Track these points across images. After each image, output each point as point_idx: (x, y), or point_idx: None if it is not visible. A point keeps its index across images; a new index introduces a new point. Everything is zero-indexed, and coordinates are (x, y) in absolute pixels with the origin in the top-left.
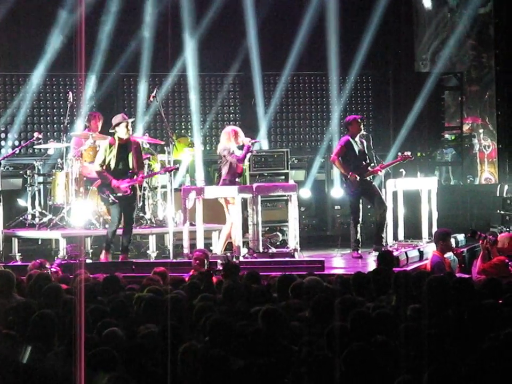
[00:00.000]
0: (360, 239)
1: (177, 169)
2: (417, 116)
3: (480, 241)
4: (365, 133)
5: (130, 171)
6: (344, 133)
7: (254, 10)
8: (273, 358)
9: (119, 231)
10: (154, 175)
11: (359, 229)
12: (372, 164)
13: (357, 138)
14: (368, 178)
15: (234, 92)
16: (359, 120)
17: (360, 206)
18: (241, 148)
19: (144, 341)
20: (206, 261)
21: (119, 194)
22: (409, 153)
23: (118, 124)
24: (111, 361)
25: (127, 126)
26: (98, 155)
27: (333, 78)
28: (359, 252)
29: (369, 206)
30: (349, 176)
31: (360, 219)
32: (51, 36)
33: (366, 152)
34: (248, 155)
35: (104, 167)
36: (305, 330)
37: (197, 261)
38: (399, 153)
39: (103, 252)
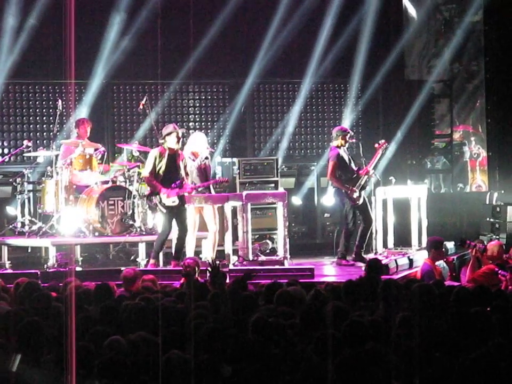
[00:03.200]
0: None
1: (227, 181)
2: (408, 123)
3: (470, 250)
4: (355, 140)
5: (179, 181)
6: (331, 141)
7: (245, 17)
8: (263, 366)
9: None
10: (203, 186)
11: (349, 238)
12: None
13: (344, 148)
14: (362, 191)
15: (224, 100)
16: (348, 134)
17: (356, 216)
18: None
19: (133, 348)
20: (197, 269)
21: (167, 204)
22: (383, 140)
23: (169, 134)
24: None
25: (177, 136)
26: (148, 163)
27: (323, 86)
28: (348, 259)
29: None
30: (349, 192)
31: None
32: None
33: (353, 159)
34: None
35: (153, 176)
36: (295, 338)
37: (188, 269)
38: (376, 144)
39: (150, 260)
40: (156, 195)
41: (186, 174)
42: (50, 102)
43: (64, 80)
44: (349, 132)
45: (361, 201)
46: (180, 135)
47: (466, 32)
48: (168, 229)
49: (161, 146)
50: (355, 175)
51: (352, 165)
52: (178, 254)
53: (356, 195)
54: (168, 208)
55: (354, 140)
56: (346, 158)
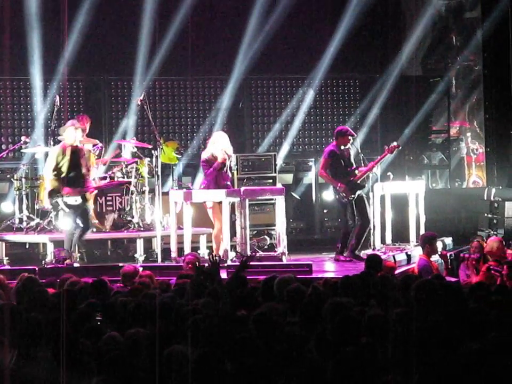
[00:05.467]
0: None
1: (129, 183)
2: (405, 119)
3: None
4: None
5: (82, 179)
6: (331, 139)
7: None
8: (264, 361)
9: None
10: (101, 188)
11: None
12: (360, 168)
13: (342, 147)
14: (360, 189)
15: (221, 95)
16: (350, 136)
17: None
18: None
19: (131, 344)
20: (197, 264)
21: (69, 202)
22: (395, 143)
23: (67, 130)
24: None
25: (75, 131)
26: (50, 161)
27: (320, 82)
28: (345, 255)
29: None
30: (337, 188)
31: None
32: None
33: (352, 158)
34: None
35: (56, 174)
36: (295, 333)
37: (189, 265)
38: (386, 146)
39: (66, 259)
40: (57, 194)
41: (88, 170)
42: (48, 98)
43: (61, 76)
44: (347, 132)
45: (354, 198)
46: (77, 130)
47: (464, 27)
48: (74, 227)
49: (62, 143)
50: (349, 173)
51: (352, 163)
52: (72, 248)
53: (345, 191)
54: (71, 207)
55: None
56: (341, 155)
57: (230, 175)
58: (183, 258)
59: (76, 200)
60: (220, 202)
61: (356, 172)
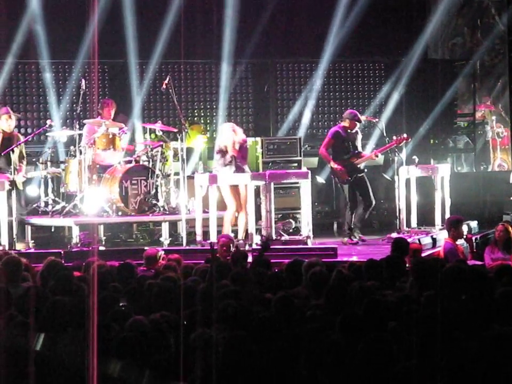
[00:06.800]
0: (353, 226)
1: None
2: (430, 103)
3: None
4: (377, 119)
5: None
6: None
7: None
8: (287, 345)
9: None
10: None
11: (354, 216)
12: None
13: (349, 130)
14: (359, 173)
15: (247, 79)
16: (357, 122)
17: (357, 193)
18: None
19: (157, 328)
20: (231, 247)
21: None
22: (405, 135)
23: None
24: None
25: (8, 118)
26: None
27: (346, 65)
28: (353, 238)
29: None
30: (330, 165)
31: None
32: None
33: (359, 142)
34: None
35: None
36: (318, 316)
37: (224, 247)
38: (394, 137)
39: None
40: None
41: (22, 157)
42: (74, 82)
43: (88, 60)
44: (356, 116)
45: (350, 180)
46: (12, 116)
47: (489, 11)
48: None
49: None
50: (349, 156)
51: (356, 147)
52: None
53: (340, 173)
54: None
55: (376, 120)
56: (347, 139)
57: (245, 158)
58: (216, 241)
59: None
60: (236, 186)
61: (358, 156)
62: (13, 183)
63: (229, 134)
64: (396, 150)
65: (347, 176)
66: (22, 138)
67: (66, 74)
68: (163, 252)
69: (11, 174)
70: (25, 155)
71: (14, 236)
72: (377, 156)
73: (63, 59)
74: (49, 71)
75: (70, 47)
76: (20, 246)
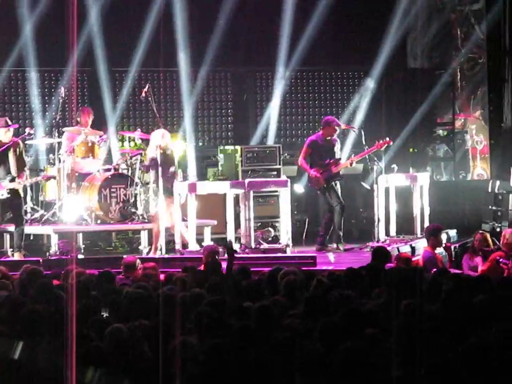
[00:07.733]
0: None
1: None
2: (409, 111)
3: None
4: (356, 129)
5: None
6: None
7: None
8: (266, 354)
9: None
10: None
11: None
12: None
13: (329, 137)
14: (336, 180)
15: (226, 88)
16: (336, 127)
17: (329, 198)
18: None
19: (135, 336)
20: (217, 257)
21: None
22: (387, 138)
23: None
24: (102, 357)
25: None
26: None
27: (326, 74)
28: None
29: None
30: (310, 173)
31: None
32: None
33: (337, 148)
34: None
35: None
36: (299, 326)
37: (209, 258)
38: (377, 141)
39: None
40: None
41: (20, 166)
42: (53, 90)
43: (66, 68)
44: (334, 122)
45: (325, 187)
46: (10, 129)
47: (468, 20)
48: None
49: None
50: (325, 164)
51: (334, 153)
52: (20, 244)
53: (315, 180)
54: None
55: (354, 128)
56: (324, 146)
57: (172, 169)
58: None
59: (1, 194)
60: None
61: (335, 163)
62: (11, 191)
63: (156, 138)
64: (375, 158)
65: (323, 183)
66: (21, 145)
67: (52, 82)
68: (139, 261)
69: (11, 181)
70: (26, 163)
71: None
72: (352, 164)
73: (47, 67)
74: (28, 79)
75: (54, 55)
76: None
